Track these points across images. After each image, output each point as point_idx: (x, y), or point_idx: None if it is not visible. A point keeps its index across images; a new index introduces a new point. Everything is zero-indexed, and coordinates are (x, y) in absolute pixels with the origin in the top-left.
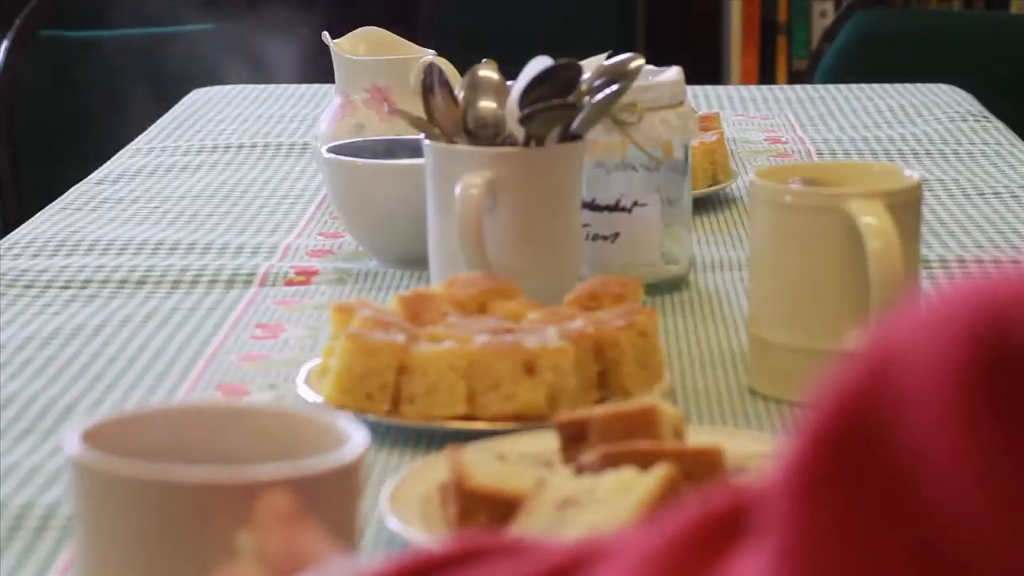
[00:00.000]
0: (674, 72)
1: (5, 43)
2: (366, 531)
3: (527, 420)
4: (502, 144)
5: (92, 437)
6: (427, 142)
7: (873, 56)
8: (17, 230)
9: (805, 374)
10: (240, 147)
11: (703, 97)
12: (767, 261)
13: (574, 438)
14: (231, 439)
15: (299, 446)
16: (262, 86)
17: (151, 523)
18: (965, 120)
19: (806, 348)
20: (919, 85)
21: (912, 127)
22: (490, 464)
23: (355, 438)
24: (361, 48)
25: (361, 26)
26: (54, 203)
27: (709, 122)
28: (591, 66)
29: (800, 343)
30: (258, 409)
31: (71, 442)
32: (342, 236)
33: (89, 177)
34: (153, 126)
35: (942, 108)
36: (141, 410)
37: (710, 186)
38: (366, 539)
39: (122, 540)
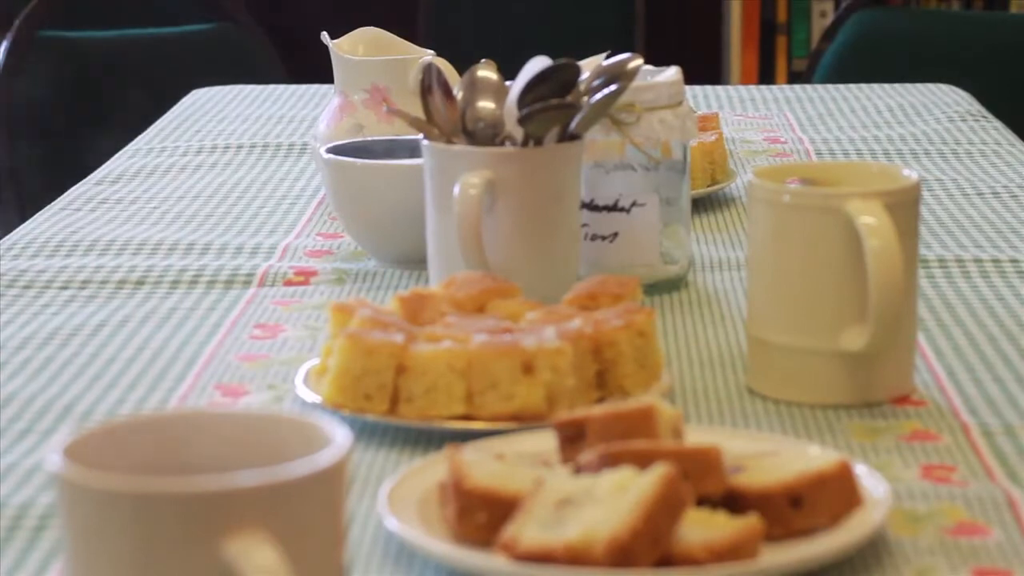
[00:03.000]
0: (673, 72)
1: (5, 43)
2: (366, 531)
3: (525, 420)
4: (501, 144)
5: (74, 451)
6: (426, 142)
7: (873, 56)
8: (17, 230)
9: (804, 374)
10: (240, 147)
11: (702, 97)
12: (766, 261)
13: (572, 438)
14: (214, 446)
15: (283, 450)
16: (262, 86)
17: (134, 535)
18: (964, 120)
19: (805, 348)
20: (919, 85)
21: (912, 127)
22: (488, 464)
23: (337, 440)
24: (360, 48)
25: (360, 26)
26: (54, 203)
27: (708, 122)
28: (590, 66)
29: (799, 343)
30: (240, 414)
31: (53, 458)
32: (341, 236)
33: (89, 177)
34: (153, 126)
35: (941, 108)
36: (122, 421)
37: (709, 186)
38: (365, 539)
39: (107, 553)
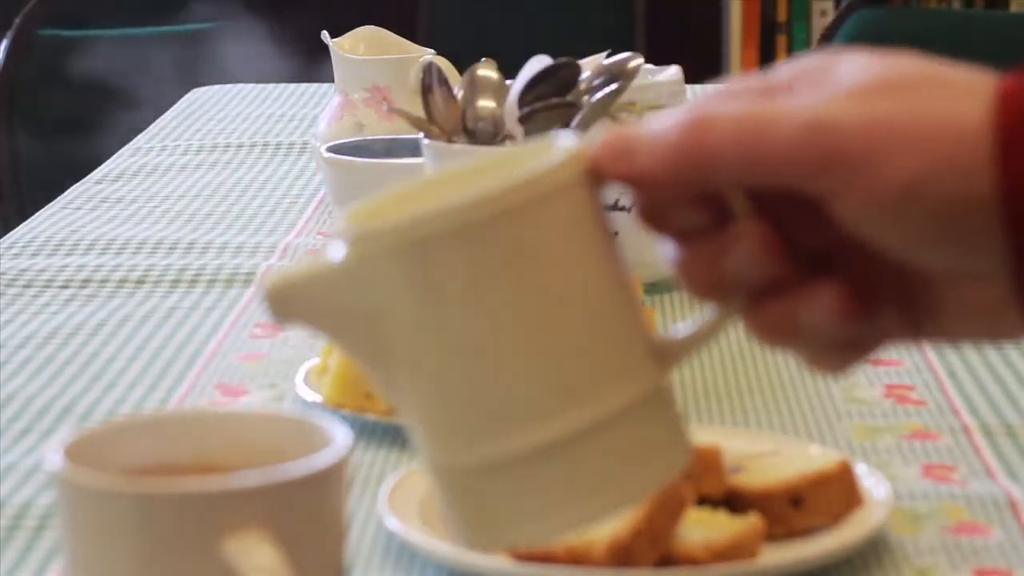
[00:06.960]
0: (673, 71)
1: (5, 43)
2: (366, 531)
3: None
4: (501, 143)
5: (74, 451)
6: (426, 141)
7: None
8: (17, 229)
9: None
10: (240, 146)
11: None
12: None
13: None
14: (214, 446)
15: (283, 450)
16: (262, 85)
17: (134, 535)
18: None
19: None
20: None
21: None
22: None
23: (338, 440)
24: (360, 47)
25: (361, 26)
26: (54, 202)
27: None
28: (590, 65)
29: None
30: (240, 413)
31: (53, 458)
32: None
33: (89, 176)
34: (153, 125)
35: None
36: (122, 421)
37: None
38: (365, 539)
39: (107, 553)
